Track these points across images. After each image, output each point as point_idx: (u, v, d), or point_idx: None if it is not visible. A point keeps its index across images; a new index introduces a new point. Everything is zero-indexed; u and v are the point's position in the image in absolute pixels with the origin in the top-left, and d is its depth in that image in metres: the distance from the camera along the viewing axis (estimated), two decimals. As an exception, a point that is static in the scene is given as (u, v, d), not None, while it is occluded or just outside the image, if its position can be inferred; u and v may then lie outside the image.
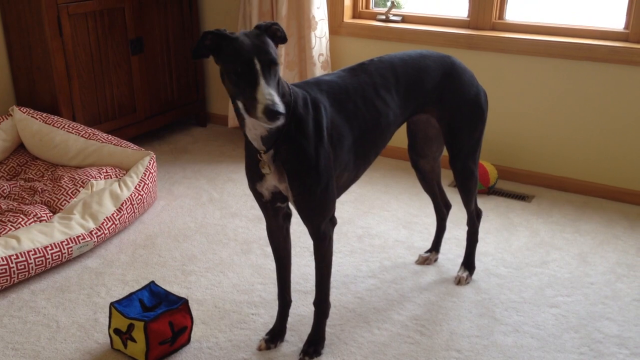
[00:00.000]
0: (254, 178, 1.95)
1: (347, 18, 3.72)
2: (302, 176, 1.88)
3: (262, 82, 1.66)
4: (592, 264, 2.66)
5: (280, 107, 1.63)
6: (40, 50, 3.32)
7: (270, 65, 1.69)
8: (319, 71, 3.60)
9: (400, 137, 2.53)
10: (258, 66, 1.67)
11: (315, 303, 2.12)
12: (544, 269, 2.62)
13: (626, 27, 3.11)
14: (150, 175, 3.05)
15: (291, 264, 2.19)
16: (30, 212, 2.74)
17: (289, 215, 2.11)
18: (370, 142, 2.09)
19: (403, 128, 2.44)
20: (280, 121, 1.65)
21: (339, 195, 2.10)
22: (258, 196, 2.00)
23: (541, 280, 2.54)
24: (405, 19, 3.62)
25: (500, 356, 2.13)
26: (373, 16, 3.70)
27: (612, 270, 2.62)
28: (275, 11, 3.54)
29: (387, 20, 3.63)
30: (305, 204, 1.93)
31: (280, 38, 1.81)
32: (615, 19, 3.18)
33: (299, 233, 2.77)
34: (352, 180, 2.13)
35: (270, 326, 2.23)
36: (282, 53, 3.56)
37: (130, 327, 2.05)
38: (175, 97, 4.01)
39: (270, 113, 1.62)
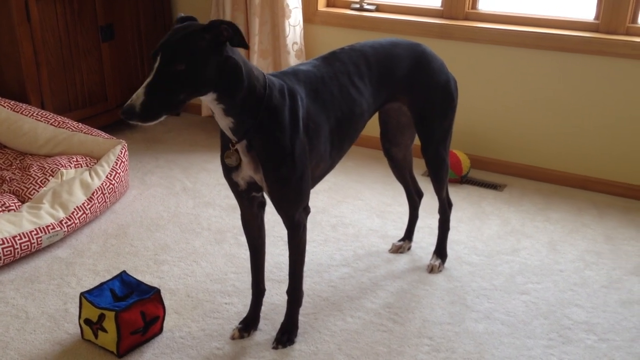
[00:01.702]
0: (230, 167, 1.94)
1: (321, 6, 3.70)
2: (276, 167, 1.87)
3: (147, 79, 1.62)
4: (561, 252, 2.70)
5: (132, 111, 1.58)
6: (7, 36, 3.24)
7: (170, 64, 1.60)
8: (293, 60, 3.58)
9: (374, 126, 2.54)
10: (157, 63, 1.62)
11: (288, 291, 2.13)
12: (514, 257, 2.66)
13: (596, 17, 3.14)
14: (122, 164, 3.01)
15: (265, 252, 2.19)
16: (-2, 201, 2.69)
17: (263, 204, 2.10)
18: (345, 131, 2.09)
19: (376, 117, 2.45)
20: (135, 121, 1.60)
21: (314, 185, 2.10)
22: (233, 185, 1.99)
23: (512, 268, 2.58)
24: (379, 8, 3.61)
25: (471, 343, 2.16)
26: (347, 5, 3.69)
27: (581, 258, 2.67)
28: (249, -1, 3.51)
29: (362, 9, 3.62)
30: (280, 195, 1.93)
31: (228, 39, 1.67)
32: (586, 9, 3.21)
33: (273, 222, 2.76)
34: (328, 170, 2.13)
35: (244, 315, 2.22)
36: (255, 41, 3.54)
37: (101, 317, 2.03)
38: (148, 85, 3.95)
39: (123, 112, 1.60)
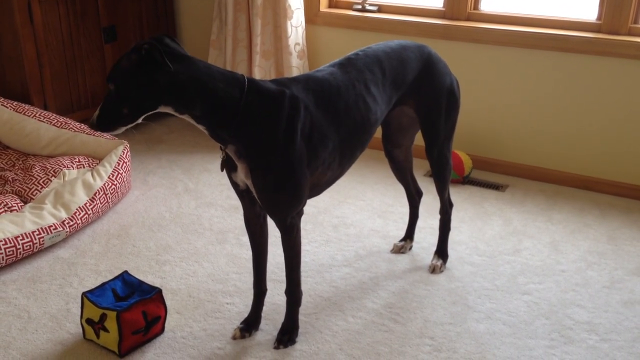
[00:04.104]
0: (230, 168, 1.95)
1: (324, 7, 3.71)
2: (263, 175, 1.87)
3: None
4: (563, 252, 2.70)
5: (93, 121, 1.82)
6: (11, 37, 3.26)
7: (107, 84, 1.81)
8: (295, 60, 3.59)
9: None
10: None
11: (287, 292, 2.13)
12: (516, 257, 2.65)
13: (599, 18, 3.14)
14: (124, 164, 3.02)
15: (267, 252, 2.20)
16: (0, 201, 2.69)
17: (265, 205, 2.10)
18: (357, 140, 2.09)
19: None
20: (95, 130, 1.84)
21: (322, 191, 2.11)
22: (234, 185, 2.01)
23: (514, 268, 2.58)
24: (381, 8, 3.62)
25: (472, 343, 2.15)
26: (349, 5, 3.69)
27: (583, 258, 2.66)
28: None
29: (364, 10, 3.62)
30: (268, 202, 1.93)
31: (150, 58, 1.71)
32: (588, 10, 3.21)
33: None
34: (338, 177, 2.13)
35: (245, 315, 2.23)
36: (257, 42, 3.54)
37: (103, 317, 2.04)
38: (150, 86, 3.96)
39: (89, 122, 1.86)
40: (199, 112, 1.80)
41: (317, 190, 2.08)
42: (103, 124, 1.81)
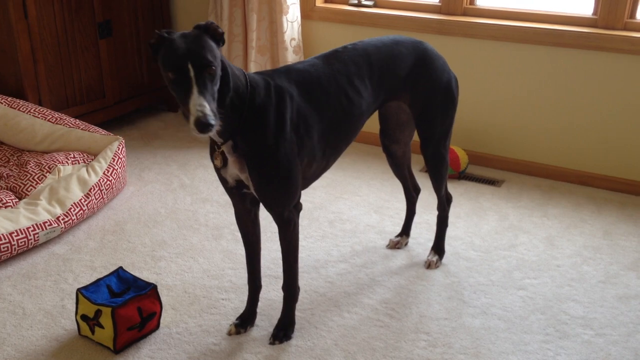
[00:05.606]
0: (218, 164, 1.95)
1: (319, 2, 3.69)
2: (261, 166, 1.87)
3: (194, 91, 1.59)
4: (559, 247, 2.70)
5: (211, 119, 1.58)
6: (5, 33, 3.24)
7: (205, 69, 1.62)
8: (290, 56, 3.58)
9: (371, 123, 2.53)
10: (192, 72, 1.60)
11: (284, 287, 2.13)
12: (512, 252, 2.66)
13: (595, 13, 3.14)
14: (119, 160, 3.01)
15: (261, 248, 2.19)
16: (-5, 198, 2.68)
17: (257, 200, 2.10)
18: (341, 132, 2.08)
19: (376, 114, 2.44)
20: (211, 132, 1.61)
21: (308, 184, 2.10)
22: (223, 182, 2.00)
23: (509, 263, 2.58)
24: (377, 3, 3.60)
25: (468, 338, 2.16)
26: (345, 0, 3.68)
27: (578, 253, 2.66)
28: (247, -5, 3.50)
29: (360, 4, 3.61)
30: (266, 193, 1.93)
31: (220, 36, 1.72)
32: (584, 5, 3.21)
33: (270, 218, 2.75)
34: (323, 170, 2.12)
35: (241, 311, 2.22)
36: (253, 37, 3.53)
37: (98, 313, 2.03)
38: (146, 81, 3.95)
39: (200, 125, 1.58)
40: (229, 101, 1.76)
41: (303, 183, 2.07)
42: (214, 117, 1.60)
